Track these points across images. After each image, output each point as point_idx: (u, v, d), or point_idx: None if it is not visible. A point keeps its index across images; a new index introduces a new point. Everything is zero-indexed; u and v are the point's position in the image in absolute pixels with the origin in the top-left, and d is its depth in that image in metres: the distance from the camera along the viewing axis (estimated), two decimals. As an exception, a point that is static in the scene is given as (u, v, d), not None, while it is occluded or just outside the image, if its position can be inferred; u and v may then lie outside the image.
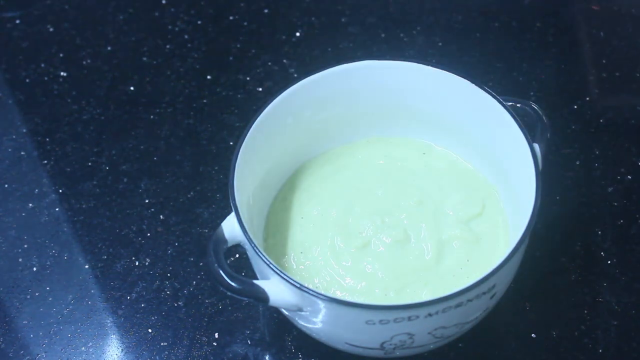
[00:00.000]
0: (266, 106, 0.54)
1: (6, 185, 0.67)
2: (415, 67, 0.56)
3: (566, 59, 0.73)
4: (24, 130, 0.71)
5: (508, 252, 0.47)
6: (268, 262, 0.47)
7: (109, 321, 0.59)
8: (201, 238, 0.63)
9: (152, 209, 0.65)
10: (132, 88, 0.73)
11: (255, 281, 0.48)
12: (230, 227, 0.50)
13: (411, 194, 0.57)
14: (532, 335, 0.56)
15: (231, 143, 0.68)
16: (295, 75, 0.73)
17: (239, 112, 0.71)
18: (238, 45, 0.76)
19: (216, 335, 0.57)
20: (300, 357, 0.56)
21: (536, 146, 0.52)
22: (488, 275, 0.46)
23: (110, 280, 0.61)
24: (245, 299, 0.55)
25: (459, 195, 0.57)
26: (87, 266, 0.62)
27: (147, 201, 0.65)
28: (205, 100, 0.72)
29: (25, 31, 0.79)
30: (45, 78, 0.75)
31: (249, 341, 0.57)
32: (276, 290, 0.48)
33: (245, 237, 0.48)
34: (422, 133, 0.61)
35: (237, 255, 0.61)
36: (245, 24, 0.78)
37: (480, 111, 0.55)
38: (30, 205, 0.66)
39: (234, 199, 0.50)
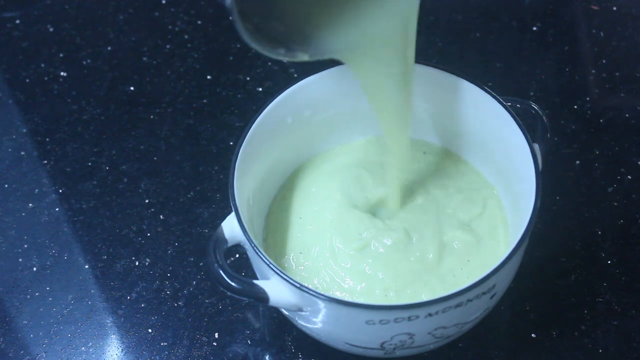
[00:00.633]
0: (266, 106, 0.54)
1: (6, 185, 0.67)
2: (415, 67, 0.56)
3: (566, 59, 0.73)
4: (24, 130, 0.71)
5: (508, 252, 0.47)
6: (268, 262, 0.47)
7: (109, 321, 0.59)
8: (201, 238, 0.63)
9: (152, 209, 0.65)
10: (132, 88, 0.73)
11: (255, 281, 0.48)
12: (230, 227, 0.50)
13: (412, 194, 0.57)
14: (532, 335, 0.56)
15: (231, 143, 0.68)
16: (295, 75, 0.73)
17: (239, 112, 0.71)
18: (238, 45, 0.76)
19: (216, 335, 0.57)
20: (300, 357, 0.56)
21: (536, 146, 0.52)
22: (488, 275, 0.46)
23: (110, 280, 0.61)
24: (245, 299, 0.55)
25: (460, 196, 0.57)
26: (87, 266, 0.62)
27: (147, 201, 0.65)
28: (205, 100, 0.72)
29: (25, 31, 0.79)
30: (45, 78, 0.75)
31: (249, 341, 0.57)
32: (276, 290, 0.48)
33: (245, 237, 0.48)
34: (422, 133, 0.61)
35: (237, 255, 0.61)
36: (245, 24, 0.78)
37: (480, 111, 0.55)
38: (30, 205, 0.66)
39: (234, 199, 0.50)
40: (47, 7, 0.81)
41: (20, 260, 0.62)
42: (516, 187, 0.53)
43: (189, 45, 0.76)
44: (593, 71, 0.72)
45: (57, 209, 0.65)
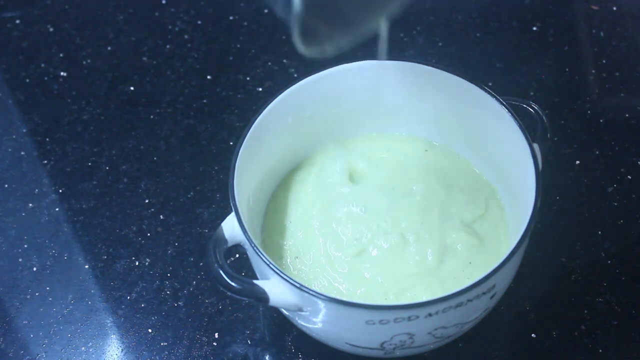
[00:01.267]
0: (266, 106, 0.54)
1: (6, 185, 0.67)
2: (415, 67, 0.56)
3: (566, 59, 0.73)
4: (24, 130, 0.71)
5: (508, 252, 0.47)
6: (268, 262, 0.47)
7: (109, 321, 0.59)
8: (201, 238, 0.62)
9: (152, 209, 0.65)
10: (132, 88, 0.73)
11: (255, 281, 0.48)
12: (230, 227, 0.50)
13: (414, 194, 0.56)
14: (532, 335, 0.56)
15: (231, 143, 0.68)
16: (295, 75, 0.73)
17: (239, 112, 0.71)
18: (238, 45, 0.76)
19: (216, 335, 0.57)
20: (300, 357, 0.56)
21: (536, 146, 0.52)
22: (488, 275, 0.46)
23: (110, 280, 0.61)
24: (245, 299, 0.55)
25: (463, 195, 0.57)
26: (87, 266, 0.62)
27: (147, 201, 0.65)
28: (205, 100, 0.72)
29: (25, 31, 0.79)
30: (45, 78, 0.75)
31: (249, 341, 0.57)
32: (276, 290, 0.48)
33: (245, 237, 0.48)
34: (422, 133, 0.61)
35: (237, 255, 0.61)
36: (245, 24, 0.78)
37: (480, 111, 0.55)
38: (30, 205, 0.66)
39: (234, 199, 0.50)
40: (47, 7, 0.81)
41: (20, 260, 0.62)
42: (516, 187, 0.53)
43: (189, 45, 0.76)
44: (593, 71, 0.72)
45: (57, 209, 0.65)
